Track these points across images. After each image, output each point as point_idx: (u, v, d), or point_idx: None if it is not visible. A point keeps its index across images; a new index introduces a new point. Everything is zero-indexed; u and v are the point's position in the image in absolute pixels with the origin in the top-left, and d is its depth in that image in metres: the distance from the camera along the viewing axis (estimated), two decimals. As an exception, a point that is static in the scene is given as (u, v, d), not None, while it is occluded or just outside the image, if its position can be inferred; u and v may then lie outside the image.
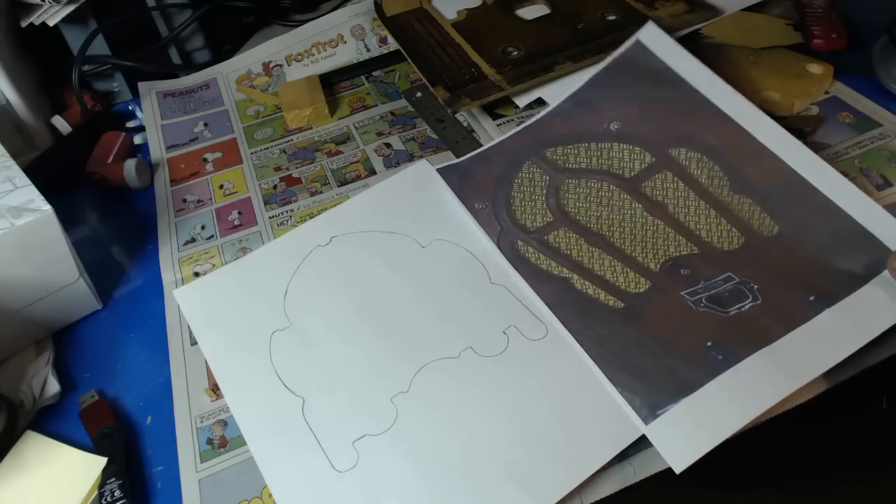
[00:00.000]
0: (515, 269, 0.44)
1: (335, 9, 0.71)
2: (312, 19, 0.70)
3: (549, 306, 0.42)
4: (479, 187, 0.49)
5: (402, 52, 0.64)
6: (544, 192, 0.47)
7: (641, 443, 0.37)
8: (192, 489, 0.38)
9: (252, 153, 0.60)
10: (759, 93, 0.54)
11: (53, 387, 0.43)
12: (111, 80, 0.67)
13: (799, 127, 0.52)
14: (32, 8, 0.60)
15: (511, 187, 0.48)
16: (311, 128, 0.62)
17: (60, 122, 0.62)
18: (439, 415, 0.39)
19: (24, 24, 0.60)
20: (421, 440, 0.39)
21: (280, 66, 0.68)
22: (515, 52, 0.59)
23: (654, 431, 0.37)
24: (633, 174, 0.46)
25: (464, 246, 0.48)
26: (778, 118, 0.52)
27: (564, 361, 0.41)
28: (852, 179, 0.48)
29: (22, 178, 0.44)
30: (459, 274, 0.46)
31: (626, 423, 0.38)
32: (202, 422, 0.41)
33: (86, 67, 0.64)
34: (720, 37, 0.60)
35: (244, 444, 0.40)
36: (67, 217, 0.44)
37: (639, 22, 0.59)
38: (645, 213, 0.44)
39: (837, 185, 0.43)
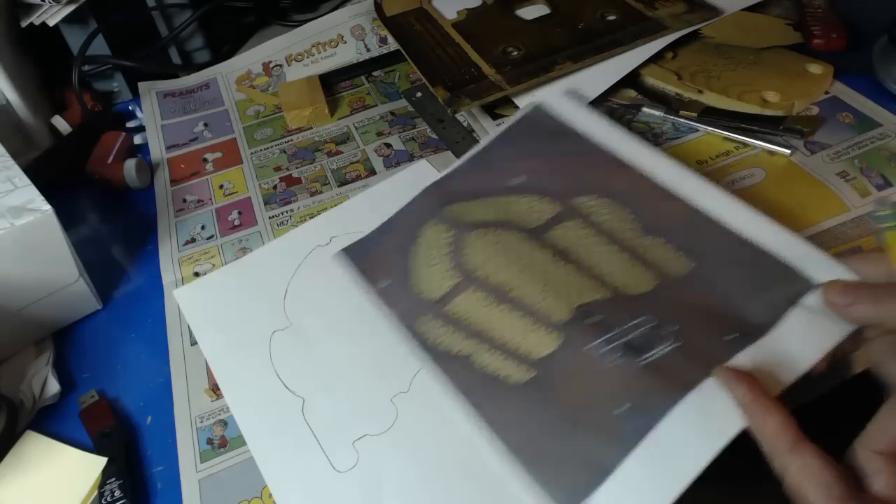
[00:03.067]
0: (417, 356, 0.41)
1: (335, 9, 0.71)
2: (312, 19, 0.70)
3: (454, 395, 0.39)
4: (383, 262, 0.46)
5: (402, 52, 0.64)
6: (448, 251, 0.44)
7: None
8: (192, 489, 0.38)
9: (252, 153, 0.60)
10: (759, 93, 0.54)
11: (53, 387, 0.43)
12: (111, 80, 0.67)
13: (799, 127, 0.52)
14: (32, 8, 0.60)
15: (415, 254, 0.45)
16: (311, 128, 0.62)
17: (60, 122, 0.62)
18: (439, 415, 0.39)
19: (24, 24, 0.60)
20: (421, 440, 0.39)
21: (280, 66, 0.68)
22: (515, 52, 0.59)
23: None
24: (539, 224, 0.44)
25: None
26: (778, 118, 0.53)
27: None
28: (852, 179, 0.48)
29: (22, 178, 0.44)
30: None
31: None
32: (202, 422, 0.41)
33: (86, 67, 0.64)
34: (720, 37, 0.60)
35: (244, 444, 0.40)
36: (67, 217, 0.44)
37: (639, 22, 0.59)
38: (552, 260, 0.42)
39: (750, 220, 0.41)
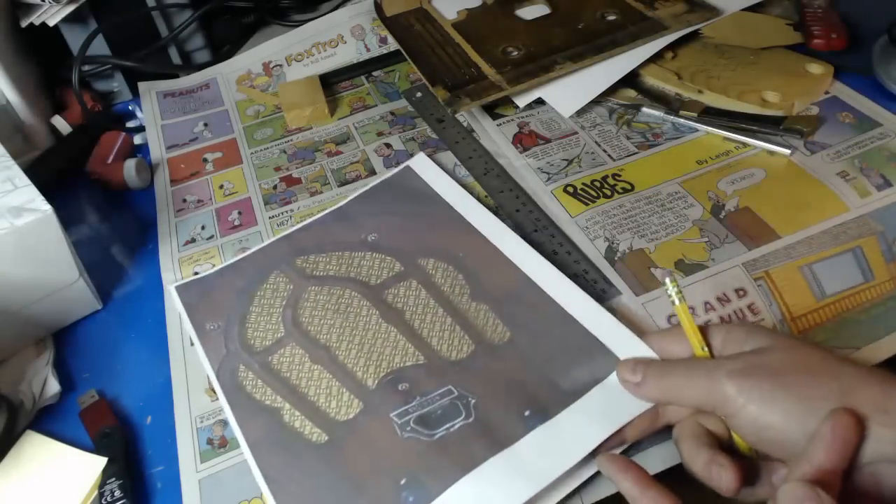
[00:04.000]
0: (228, 401, 0.41)
1: (335, 9, 0.71)
2: (312, 19, 0.70)
3: (249, 447, 0.38)
4: (216, 304, 0.46)
5: (402, 52, 0.64)
6: (283, 302, 0.45)
7: (641, 442, 0.37)
8: (192, 489, 0.38)
9: (252, 153, 0.60)
10: (759, 93, 0.54)
11: (53, 387, 0.43)
12: (111, 80, 0.67)
13: (799, 127, 0.52)
14: (32, 8, 0.60)
15: (251, 301, 0.46)
16: (311, 128, 0.62)
17: (60, 122, 0.62)
18: None
19: (24, 24, 0.60)
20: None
21: (280, 66, 0.68)
22: (515, 52, 0.59)
23: None
24: (378, 281, 0.45)
25: None
26: (778, 118, 0.53)
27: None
28: (852, 179, 0.48)
29: (22, 178, 0.44)
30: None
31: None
32: (202, 422, 0.41)
33: (86, 67, 0.64)
34: (720, 37, 0.60)
35: (244, 444, 0.40)
36: (67, 217, 0.44)
37: (639, 22, 0.59)
38: (380, 320, 0.43)
39: (569, 294, 0.42)
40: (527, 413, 0.37)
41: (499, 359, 0.40)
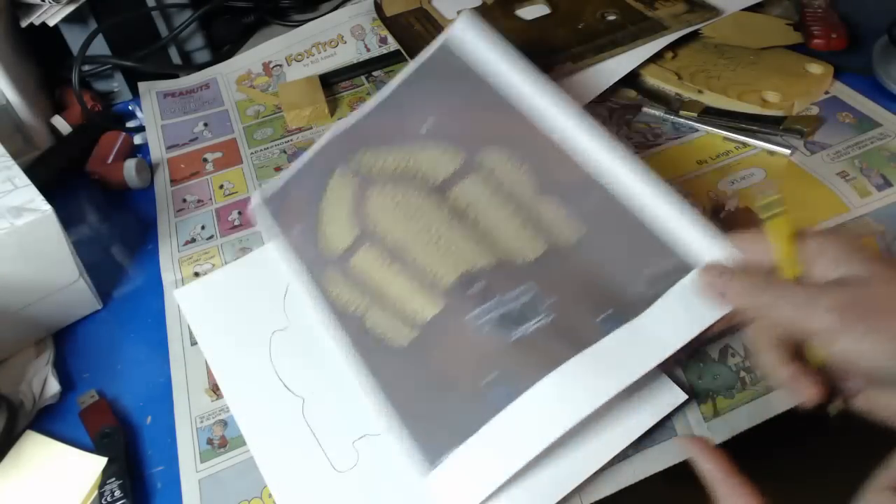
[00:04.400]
0: (317, 307, 0.42)
1: (335, 9, 0.71)
2: (312, 19, 0.70)
3: (342, 352, 0.40)
4: (297, 210, 0.46)
5: (402, 52, 0.64)
6: (352, 203, 0.45)
7: (641, 443, 0.38)
8: (192, 489, 0.38)
9: (252, 153, 0.60)
10: (759, 93, 0.54)
11: (53, 387, 0.43)
12: (111, 80, 0.67)
13: (799, 127, 0.52)
14: (32, 8, 0.60)
15: (322, 202, 0.46)
16: (311, 128, 0.62)
17: (60, 122, 0.62)
18: None
19: (24, 24, 0.60)
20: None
21: (280, 66, 0.68)
22: (515, 52, 0.59)
23: (433, 484, 0.35)
24: (441, 179, 0.44)
25: None
26: (778, 118, 0.53)
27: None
28: (852, 179, 0.48)
29: (22, 178, 0.44)
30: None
31: (625, 424, 0.37)
32: (202, 422, 0.41)
33: (86, 67, 0.64)
34: (720, 37, 0.60)
35: (244, 444, 0.40)
36: (67, 217, 0.44)
37: (639, 22, 0.59)
38: (448, 221, 0.42)
39: (644, 188, 0.39)
40: (605, 314, 0.37)
41: (571, 259, 0.39)
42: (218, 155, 0.60)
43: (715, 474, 0.31)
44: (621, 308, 0.37)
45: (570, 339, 0.36)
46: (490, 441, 0.35)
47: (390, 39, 0.68)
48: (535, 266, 0.40)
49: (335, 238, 0.44)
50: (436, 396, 0.37)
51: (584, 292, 0.38)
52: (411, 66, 0.50)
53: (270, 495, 0.37)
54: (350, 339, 0.41)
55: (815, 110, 0.54)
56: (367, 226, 0.43)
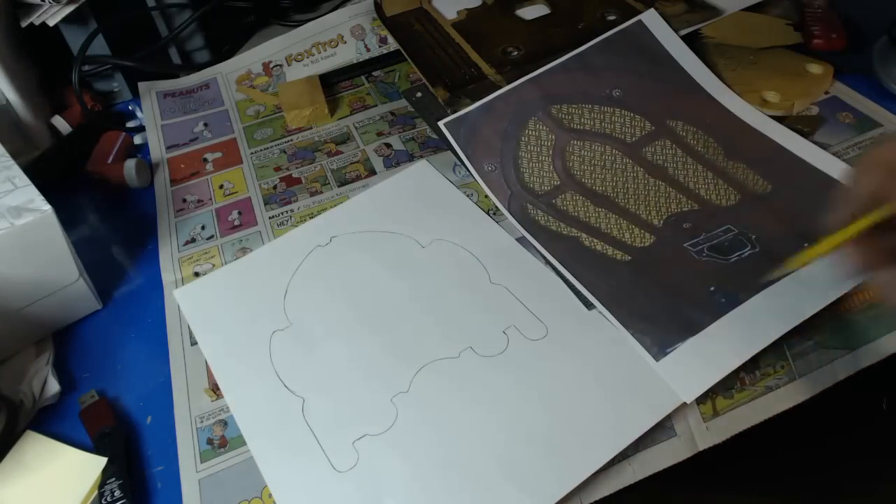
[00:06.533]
0: (527, 231, 0.47)
1: (335, 9, 0.71)
2: (312, 19, 0.70)
3: (561, 264, 0.45)
4: (487, 145, 0.51)
5: (402, 52, 0.64)
6: (550, 152, 0.49)
7: (641, 443, 0.38)
8: (192, 489, 0.38)
9: (252, 153, 0.60)
10: (759, 93, 0.54)
11: (53, 387, 0.43)
12: (111, 80, 0.67)
13: (799, 127, 0.52)
14: (32, 8, 0.60)
15: (518, 146, 0.50)
16: (311, 128, 0.62)
17: (60, 122, 0.62)
18: (439, 415, 0.39)
19: (24, 24, 0.60)
20: (421, 440, 0.39)
21: (280, 66, 0.68)
22: (515, 52, 0.59)
23: (664, 367, 0.40)
24: (634, 139, 0.50)
25: (463, 246, 0.48)
26: (778, 118, 0.53)
27: (564, 362, 0.41)
28: (853, 179, 0.48)
29: (22, 178, 0.44)
30: (459, 274, 0.46)
31: (625, 424, 0.38)
32: (202, 422, 0.41)
33: (86, 67, 0.64)
34: (720, 37, 0.60)
35: (244, 444, 0.40)
36: (67, 217, 0.44)
37: (639, 22, 0.59)
38: (646, 175, 0.48)
39: (819, 154, 0.49)
40: (805, 245, 0.41)
41: (764, 204, 0.46)
42: (218, 155, 0.60)
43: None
44: (818, 240, 0.39)
45: (778, 262, 0.39)
46: (716, 337, 0.40)
47: (390, 39, 0.68)
48: (733, 209, 0.47)
49: (536, 181, 0.48)
50: (662, 298, 0.42)
51: (781, 229, 0.45)
52: (601, 35, 0.56)
53: (270, 495, 0.37)
54: (569, 253, 0.45)
55: (815, 110, 0.54)
56: (570, 175, 0.48)
